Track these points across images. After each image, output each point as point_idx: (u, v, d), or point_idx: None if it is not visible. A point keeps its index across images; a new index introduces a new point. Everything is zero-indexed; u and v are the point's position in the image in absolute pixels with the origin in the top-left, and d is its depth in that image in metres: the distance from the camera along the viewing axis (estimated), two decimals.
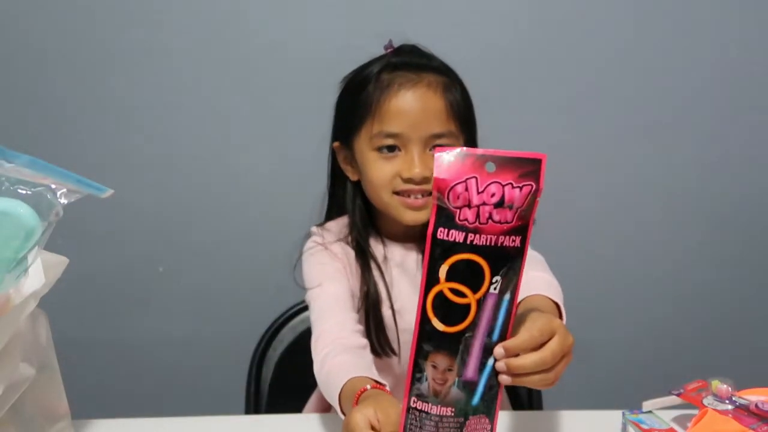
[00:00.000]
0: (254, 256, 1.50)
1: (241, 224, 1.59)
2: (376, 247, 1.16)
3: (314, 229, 1.19)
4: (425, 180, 1.05)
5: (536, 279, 1.08)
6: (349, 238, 1.15)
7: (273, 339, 1.35)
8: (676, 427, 0.94)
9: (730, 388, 0.95)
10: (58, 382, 0.85)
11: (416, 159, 1.06)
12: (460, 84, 1.10)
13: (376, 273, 1.14)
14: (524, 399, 1.34)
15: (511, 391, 1.37)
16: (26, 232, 0.69)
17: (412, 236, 1.14)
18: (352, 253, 1.15)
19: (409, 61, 1.09)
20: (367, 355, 1.03)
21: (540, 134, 1.59)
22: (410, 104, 1.06)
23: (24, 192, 0.71)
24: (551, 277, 1.12)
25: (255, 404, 1.33)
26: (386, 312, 1.13)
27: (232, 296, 1.58)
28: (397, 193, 1.07)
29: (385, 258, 1.15)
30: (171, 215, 1.58)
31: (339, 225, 1.18)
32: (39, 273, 0.73)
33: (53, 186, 0.72)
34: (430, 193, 1.04)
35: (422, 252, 1.05)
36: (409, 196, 1.07)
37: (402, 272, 1.14)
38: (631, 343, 1.70)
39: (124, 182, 1.60)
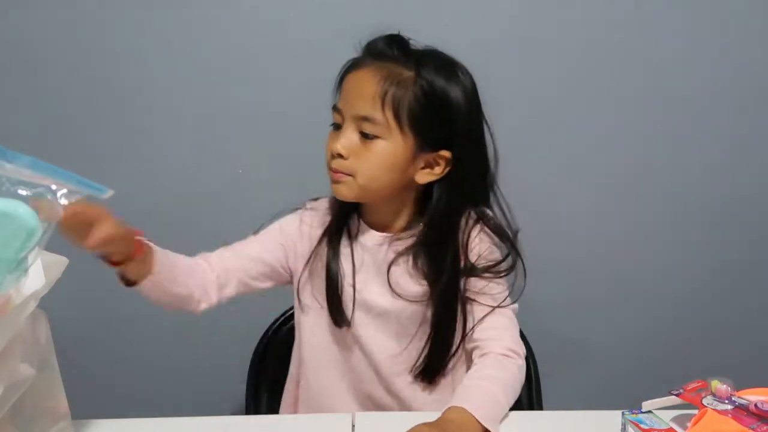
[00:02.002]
0: None
1: (242, 224, 1.58)
2: (353, 227, 1.20)
3: (307, 203, 1.26)
4: (338, 156, 1.09)
5: (475, 387, 1.07)
6: (336, 212, 1.21)
7: (273, 339, 1.35)
8: (675, 427, 0.94)
9: (729, 388, 0.95)
10: (57, 382, 0.85)
11: (341, 134, 1.10)
12: (428, 86, 1.09)
13: (345, 250, 1.19)
14: (524, 399, 1.34)
15: None
16: (27, 232, 0.69)
17: (389, 226, 1.18)
18: (324, 227, 1.20)
19: (375, 47, 1.12)
20: (187, 260, 1.15)
21: (540, 134, 1.59)
22: (351, 83, 1.11)
23: (24, 193, 0.71)
24: (505, 375, 1.10)
25: (255, 404, 1.33)
26: (347, 288, 1.18)
27: (231, 297, 1.58)
28: (329, 167, 1.13)
29: (357, 239, 1.19)
30: (171, 215, 1.57)
31: (328, 201, 1.23)
32: (39, 273, 0.73)
33: (54, 187, 0.72)
34: (337, 171, 1.10)
35: (394, 243, 1.16)
36: (331, 170, 1.12)
37: (370, 257, 1.18)
38: (630, 343, 1.70)
39: (123, 182, 1.60)
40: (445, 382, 1.20)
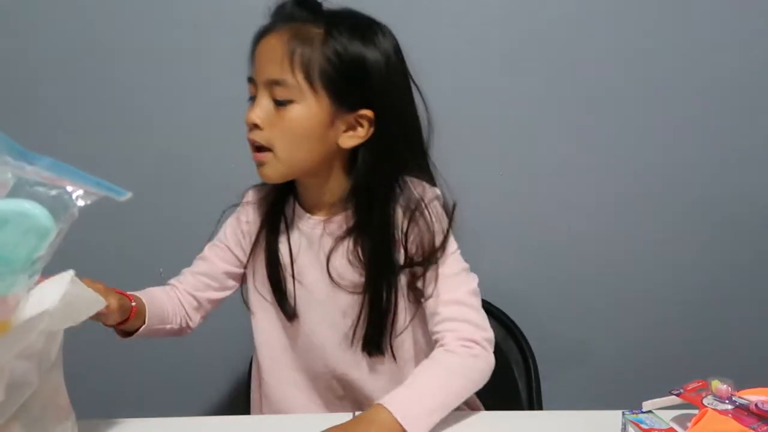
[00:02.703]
0: None
1: None
2: (288, 212, 1.16)
3: (250, 187, 1.22)
4: (254, 127, 1.04)
5: (407, 386, 1.03)
6: (273, 198, 1.17)
7: None
8: (676, 426, 0.94)
9: (729, 388, 0.95)
10: (61, 383, 0.85)
11: (255, 104, 1.05)
12: (341, 47, 1.03)
13: (283, 238, 1.15)
14: (524, 399, 1.35)
15: (511, 391, 1.37)
16: (41, 233, 0.70)
17: (323, 205, 1.13)
18: (264, 214, 1.17)
19: (284, 10, 1.07)
20: (166, 295, 1.18)
21: (539, 134, 1.59)
22: (261, 49, 1.06)
23: (40, 193, 0.71)
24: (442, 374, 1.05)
25: (255, 404, 1.33)
26: (289, 278, 1.15)
27: (233, 296, 1.58)
28: (249, 142, 1.07)
29: (294, 225, 1.15)
30: (172, 215, 1.58)
31: (268, 189, 1.19)
32: (54, 293, 0.74)
33: (70, 188, 0.72)
34: (260, 148, 1.05)
35: (329, 226, 1.11)
36: (251, 146, 1.07)
37: (308, 243, 1.14)
38: (631, 343, 1.70)
39: (124, 182, 1.60)
40: (396, 369, 1.15)
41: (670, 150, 1.60)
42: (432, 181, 1.14)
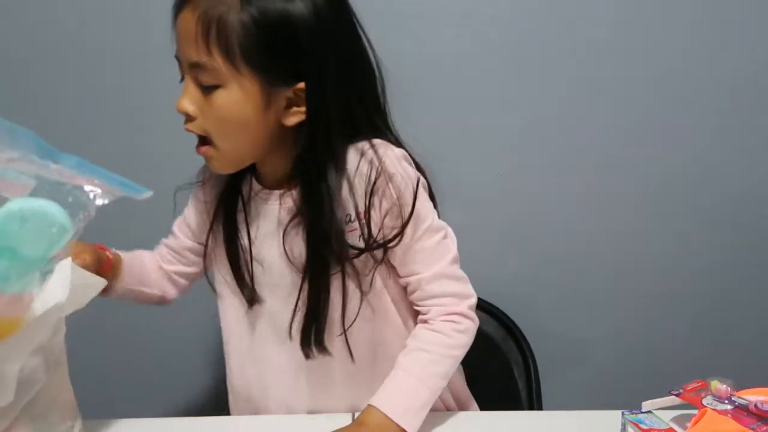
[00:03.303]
0: None
1: None
2: (245, 189, 1.07)
3: (205, 167, 1.11)
4: (188, 117, 0.94)
5: (396, 379, 0.99)
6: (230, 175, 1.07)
7: None
8: (675, 427, 0.94)
9: (729, 388, 0.95)
10: (67, 379, 0.86)
11: (183, 90, 0.94)
12: (257, 12, 0.89)
13: (240, 216, 1.07)
14: (524, 399, 1.35)
15: (511, 391, 1.37)
16: (58, 232, 0.70)
17: (281, 179, 1.03)
18: (221, 190, 1.09)
19: None
20: (154, 259, 1.16)
21: (539, 134, 1.59)
22: (178, 26, 0.94)
23: (59, 192, 0.72)
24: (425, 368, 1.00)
25: None
26: (247, 259, 1.07)
27: None
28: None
29: (252, 202, 1.06)
30: (172, 215, 1.57)
31: None
32: (64, 286, 0.74)
33: (87, 188, 0.73)
34: (202, 140, 0.96)
35: (285, 199, 1.01)
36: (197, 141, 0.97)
37: (266, 221, 1.05)
38: (630, 344, 1.70)
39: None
40: (353, 368, 1.07)
41: (670, 150, 1.60)
42: (397, 143, 1.02)
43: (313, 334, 1.03)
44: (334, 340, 1.04)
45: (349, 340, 1.04)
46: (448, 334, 1.02)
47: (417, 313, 1.07)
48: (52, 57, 1.54)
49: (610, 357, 1.70)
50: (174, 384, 1.70)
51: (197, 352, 1.69)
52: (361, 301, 1.03)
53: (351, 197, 0.98)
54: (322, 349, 1.04)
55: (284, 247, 1.02)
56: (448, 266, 1.03)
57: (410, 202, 0.99)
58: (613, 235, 1.64)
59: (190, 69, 0.93)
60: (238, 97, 0.92)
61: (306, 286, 1.01)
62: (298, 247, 1.02)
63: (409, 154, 1.02)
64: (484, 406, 1.23)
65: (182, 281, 1.20)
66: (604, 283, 1.67)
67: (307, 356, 1.05)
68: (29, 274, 0.70)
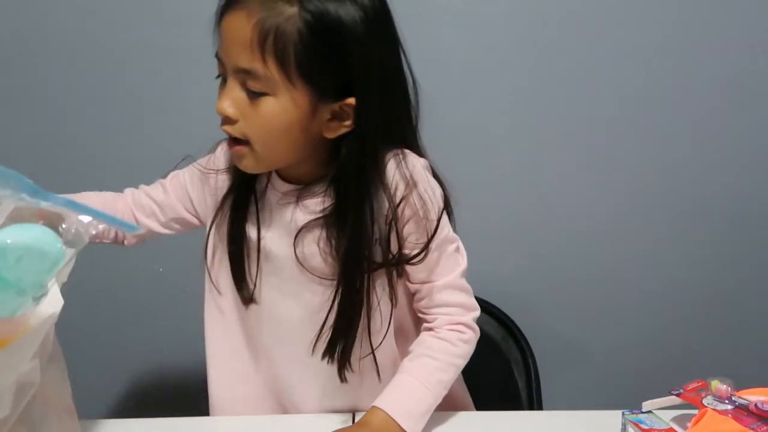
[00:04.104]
0: None
1: None
2: (260, 184, 1.05)
3: (219, 147, 1.10)
4: (227, 120, 0.93)
5: (402, 383, 1.00)
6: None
7: None
8: (675, 427, 0.94)
9: (729, 388, 0.95)
10: (65, 381, 0.85)
11: (225, 92, 0.93)
12: (314, 19, 0.88)
13: (252, 208, 1.05)
14: (524, 399, 1.35)
15: (511, 391, 1.37)
16: (51, 260, 0.70)
17: (297, 179, 1.03)
18: (235, 176, 1.06)
19: None
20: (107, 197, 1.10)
21: (539, 134, 1.59)
22: (226, 27, 0.92)
23: (56, 222, 0.72)
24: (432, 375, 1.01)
25: None
26: (252, 253, 1.05)
27: None
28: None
29: (266, 196, 1.05)
30: None
31: None
32: (58, 295, 0.74)
33: (83, 219, 0.72)
34: (236, 139, 0.94)
35: (303, 196, 0.99)
36: (228, 138, 0.96)
37: (279, 214, 1.03)
38: (630, 343, 1.70)
39: (123, 182, 1.60)
40: (366, 370, 1.07)
41: (669, 150, 1.60)
42: (420, 154, 1.03)
43: (339, 350, 1.03)
44: (361, 357, 1.05)
45: (376, 358, 1.05)
46: (453, 343, 1.03)
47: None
48: (53, 57, 1.54)
49: (611, 357, 1.70)
50: (174, 384, 1.70)
51: (197, 352, 1.69)
52: (391, 316, 1.04)
53: (385, 208, 0.98)
54: (347, 365, 1.04)
55: (295, 249, 1.01)
56: (458, 278, 1.04)
57: (434, 217, 1.00)
58: (614, 235, 1.64)
59: (238, 73, 0.92)
60: (286, 107, 0.91)
61: (337, 298, 1.01)
62: (310, 250, 1.01)
63: (430, 165, 1.03)
64: (484, 406, 1.23)
65: (147, 236, 1.13)
66: (605, 283, 1.67)
67: (342, 379, 1.05)
68: (20, 299, 0.70)
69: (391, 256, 1.00)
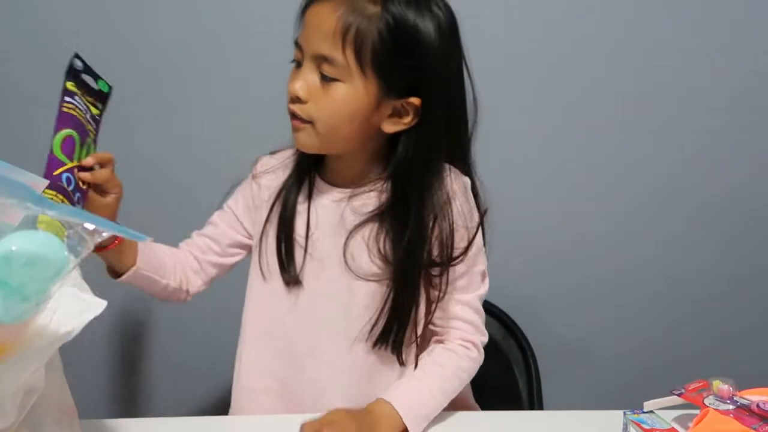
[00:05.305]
0: None
1: None
2: (311, 185, 1.11)
3: (260, 157, 1.18)
4: (297, 99, 1.00)
5: (411, 382, 1.05)
6: (294, 167, 1.13)
7: None
8: (677, 427, 0.94)
9: (731, 388, 0.95)
10: (63, 382, 0.85)
11: (299, 74, 1.00)
12: (393, 21, 0.97)
13: (301, 208, 1.10)
14: (524, 399, 1.34)
15: (511, 391, 1.37)
16: (56, 267, 0.71)
17: (350, 182, 1.09)
18: (281, 183, 1.12)
19: None
20: (169, 251, 1.15)
21: (538, 134, 1.59)
22: (312, 16, 1.00)
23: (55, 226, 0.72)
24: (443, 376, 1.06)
25: None
26: (298, 249, 1.10)
27: (232, 296, 1.58)
28: (288, 111, 1.04)
29: (315, 199, 1.10)
30: (172, 215, 1.57)
31: (287, 154, 1.16)
32: (74, 315, 0.75)
33: (90, 227, 0.73)
34: (300, 118, 1.01)
35: (353, 200, 1.07)
36: (290, 115, 1.03)
37: (327, 216, 1.09)
38: (631, 343, 1.70)
39: (123, 182, 1.59)
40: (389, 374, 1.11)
41: (670, 151, 1.60)
42: (469, 174, 1.10)
43: (392, 338, 1.08)
44: (408, 347, 1.10)
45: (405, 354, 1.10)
46: (461, 357, 1.07)
47: None
48: (54, 57, 1.54)
49: (612, 356, 1.70)
50: (174, 384, 1.70)
51: (197, 352, 1.69)
52: (434, 311, 1.09)
53: (438, 207, 1.05)
54: (398, 355, 1.09)
55: (345, 244, 1.07)
56: (476, 298, 1.10)
57: (464, 234, 1.07)
58: (614, 234, 1.64)
59: (315, 59, 0.99)
60: (355, 95, 0.99)
61: (392, 290, 1.06)
62: (356, 248, 1.07)
63: (474, 185, 1.10)
64: (484, 406, 1.23)
65: (212, 271, 1.19)
66: (605, 283, 1.66)
67: (401, 362, 1.09)
68: (23, 305, 0.70)
69: (440, 254, 1.05)
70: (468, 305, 1.09)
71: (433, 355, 1.08)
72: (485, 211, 1.11)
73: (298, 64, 1.02)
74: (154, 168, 1.60)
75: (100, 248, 1.02)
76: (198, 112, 1.57)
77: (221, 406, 1.62)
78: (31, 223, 0.71)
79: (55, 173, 0.92)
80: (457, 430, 1.03)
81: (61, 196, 0.91)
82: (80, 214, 0.73)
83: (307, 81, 1.00)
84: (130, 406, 1.49)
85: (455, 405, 1.12)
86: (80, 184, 0.96)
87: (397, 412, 0.99)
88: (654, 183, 1.62)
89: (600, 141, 1.59)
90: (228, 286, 1.20)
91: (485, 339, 1.11)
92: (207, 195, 1.58)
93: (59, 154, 0.93)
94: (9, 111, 1.56)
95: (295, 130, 1.03)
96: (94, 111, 1.03)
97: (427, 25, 0.98)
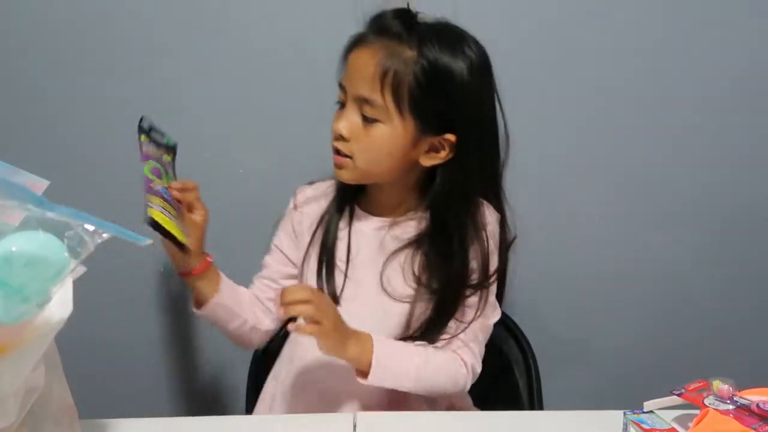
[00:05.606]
0: (255, 255, 1.50)
1: (242, 224, 1.58)
2: (350, 213, 1.19)
3: (299, 188, 1.25)
4: (340, 137, 1.08)
5: (401, 344, 1.12)
6: (334, 196, 1.20)
7: (274, 338, 1.34)
8: (677, 427, 0.94)
9: (731, 388, 0.95)
10: (63, 382, 0.86)
11: (343, 114, 1.08)
12: (429, 65, 1.05)
13: (342, 234, 1.17)
14: (524, 399, 1.34)
15: (511, 391, 1.37)
16: (56, 268, 0.71)
17: (389, 211, 1.16)
18: (322, 211, 1.19)
19: (379, 22, 1.09)
20: (244, 290, 1.22)
21: (538, 134, 1.59)
22: (353, 61, 1.08)
23: (58, 227, 0.72)
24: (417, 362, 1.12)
25: (255, 404, 1.33)
26: (339, 273, 1.17)
27: None
28: (332, 147, 1.12)
29: (355, 226, 1.18)
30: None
31: (326, 185, 1.22)
32: (68, 301, 0.75)
33: (90, 228, 0.73)
34: (343, 154, 1.09)
35: (393, 228, 1.14)
36: (334, 151, 1.11)
37: (367, 243, 1.17)
38: (631, 343, 1.70)
39: (124, 182, 1.60)
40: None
41: (670, 151, 1.60)
42: (499, 206, 1.18)
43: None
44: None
45: None
46: (450, 360, 1.12)
47: None
48: (54, 58, 1.54)
49: (612, 356, 1.70)
50: (174, 384, 1.70)
51: (197, 352, 1.69)
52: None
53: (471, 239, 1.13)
54: None
55: (381, 271, 1.14)
56: (483, 327, 1.16)
57: (495, 261, 1.16)
58: (614, 234, 1.64)
59: (357, 100, 1.07)
60: (394, 134, 1.06)
61: (433, 310, 1.13)
62: (393, 272, 1.14)
63: (503, 217, 1.19)
64: (484, 406, 1.23)
65: (275, 307, 1.23)
66: (605, 283, 1.66)
67: None
68: (24, 306, 0.70)
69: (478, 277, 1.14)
70: (473, 331, 1.15)
71: (429, 349, 1.13)
72: (513, 239, 1.20)
73: (342, 105, 1.09)
74: None
75: (187, 273, 1.11)
76: (198, 112, 1.57)
77: (222, 407, 1.63)
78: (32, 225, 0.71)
79: (152, 185, 1.06)
80: (458, 430, 1.03)
81: (160, 200, 1.05)
82: (78, 214, 0.73)
83: (349, 121, 1.07)
84: (130, 406, 1.48)
85: (453, 405, 1.12)
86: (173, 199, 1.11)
87: (373, 351, 1.05)
88: (653, 183, 1.62)
89: (600, 142, 1.59)
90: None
91: (479, 370, 1.15)
92: (207, 195, 1.58)
93: (150, 175, 1.08)
94: (9, 111, 1.56)
95: (338, 165, 1.10)
96: (167, 158, 1.17)
97: (460, 66, 1.05)
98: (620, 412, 0.96)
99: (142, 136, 1.17)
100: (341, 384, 1.15)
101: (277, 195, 1.60)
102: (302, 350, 1.20)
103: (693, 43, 1.55)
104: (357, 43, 1.09)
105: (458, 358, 1.13)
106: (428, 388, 1.11)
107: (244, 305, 1.20)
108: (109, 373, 1.66)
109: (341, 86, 1.09)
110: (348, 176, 1.11)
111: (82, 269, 0.76)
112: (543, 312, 1.65)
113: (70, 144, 1.57)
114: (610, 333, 1.69)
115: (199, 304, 1.14)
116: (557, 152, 1.60)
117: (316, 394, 1.19)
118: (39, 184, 0.75)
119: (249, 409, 1.32)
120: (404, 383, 1.09)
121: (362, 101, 1.06)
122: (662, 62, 1.55)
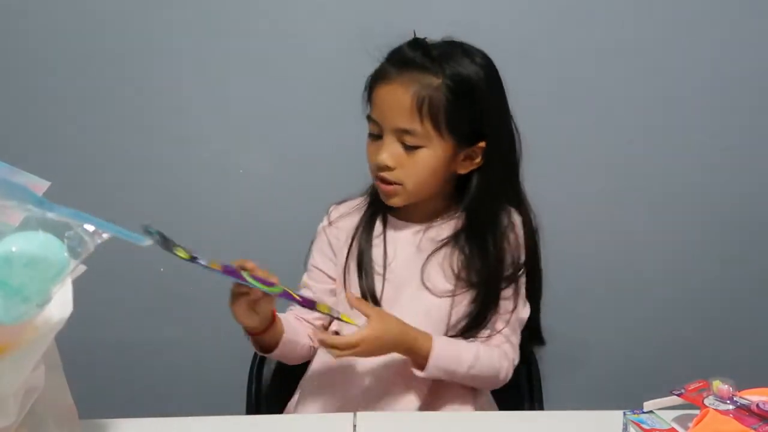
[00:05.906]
0: (255, 255, 1.50)
1: (242, 224, 1.59)
2: (385, 221, 1.24)
3: (332, 206, 1.29)
4: (386, 168, 1.14)
5: (461, 343, 1.17)
6: (366, 208, 1.25)
7: None
8: (677, 427, 0.94)
9: (731, 388, 0.95)
10: (63, 382, 0.85)
11: (383, 146, 1.13)
12: (453, 83, 1.12)
13: (377, 241, 1.22)
14: (525, 399, 1.34)
15: (511, 391, 1.37)
16: (56, 269, 0.71)
17: (423, 216, 1.22)
18: (355, 225, 1.24)
19: (399, 56, 1.15)
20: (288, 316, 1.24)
21: (538, 134, 1.58)
22: (383, 96, 1.14)
23: (58, 227, 0.72)
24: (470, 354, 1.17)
25: (255, 404, 1.33)
26: (377, 278, 1.21)
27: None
28: (375, 176, 1.17)
29: (389, 233, 1.23)
30: (171, 215, 1.57)
31: (357, 201, 1.27)
32: (68, 301, 0.75)
33: (90, 228, 0.73)
34: (388, 181, 1.15)
35: (429, 231, 1.19)
36: (380, 180, 1.16)
37: (404, 247, 1.22)
38: (631, 343, 1.70)
39: (124, 182, 1.60)
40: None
41: (670, 151, 1.60)
42: (522, 204, 1.23)
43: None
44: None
45: None
46: (496, 359, 1.18)
47: None
48: (54, 59, 1.54)
49: (612, 357, 1.70)
50: (174, 384, 1.70)
51: (196, 352, 1.69)
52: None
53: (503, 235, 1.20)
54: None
55: (422, 271, 1.19)
56: (517, 320, 1.22)
57: (523, 254, 1.22)
58: (615, 235, 1.64)
59: (396, 132, 1.13)
60: (436, 155, 1.13)
61: (477, 303, 1.18)
62: (433, 271, 1.19)
63: (529, 217, 1.24)
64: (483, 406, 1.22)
65: (318, 323, 1.27)
66: (606, 283, 1.66)
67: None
68: (24, 306, 0.70)
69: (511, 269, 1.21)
70: (511, 323, 1.21)
71: (477, 341, 1.18)
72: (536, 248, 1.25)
73: (375, 136, 1.15)
74: (154, 168, 1.60)
75: (258, 333, 1.14)
76: (198, 112, 1.57)
77: (222, 407, 1.63)
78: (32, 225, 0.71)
79: (243, 275, 1.11)
80: (458, 430, 1.03)
81: (255, 280, 1.10)
82: (78, 214, 0.73)
83: (391, 152, 1.13)
84: (130, 406, 1.48)
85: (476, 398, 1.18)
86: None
87: (429, 353, 1.11)
88: (654, 183, 1.62)
89: (599, 143, 1.60)
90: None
91: (518, 361, 1.21)
92: (208, 195, 1.59)
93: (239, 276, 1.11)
94: (9, 111, 1.56)
95: (389, 193, 1.16)
96: (183, 255, 1.09)
97: (478, 76, 1.13)
98: (620, 412, 0.96)
99: (179, 252, 1.08)
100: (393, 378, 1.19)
101: (277, 195, 1.60)
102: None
103: (693, 43, 1.55)
104: (382, 79, 1.14)
105: (503, 352, 1.18)
106: (477, 381, 1.18)
107: (299, 332, 1.23)
108: (109, 373, 1.67)
109: (372, 120, 1.15)
110: (400, 201, 1.17)
111: (82, 269, 0.75)
112: (544, 312, 1.65)
113: (70, 144, 1.57)
114: (610, 333, 1.69)
115: (268, 348, 1.19)
116: (557, 152, 1.60)
117: (361, 390, 1.21)
118: (39, 185, 0.74)
119: (249, 409, 1.32)
120: (458, 373, 1.15)
121: (402, 132, 1.12)
122: (664, 62, 1.56)
